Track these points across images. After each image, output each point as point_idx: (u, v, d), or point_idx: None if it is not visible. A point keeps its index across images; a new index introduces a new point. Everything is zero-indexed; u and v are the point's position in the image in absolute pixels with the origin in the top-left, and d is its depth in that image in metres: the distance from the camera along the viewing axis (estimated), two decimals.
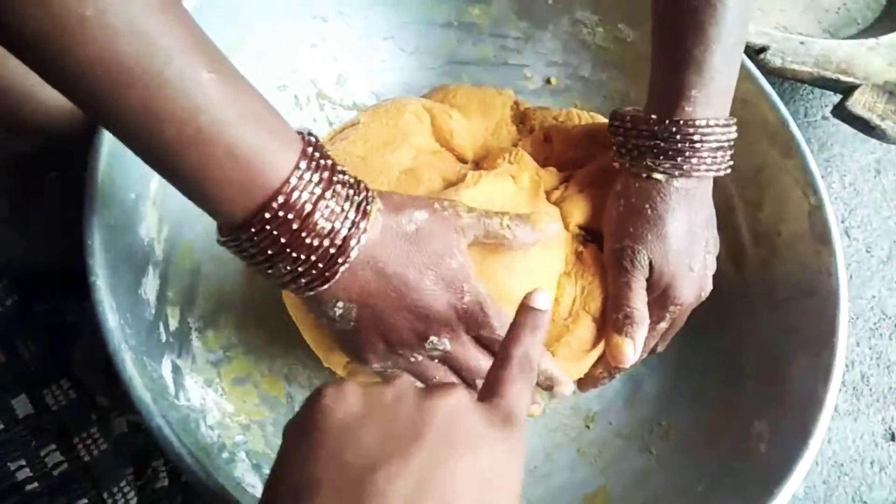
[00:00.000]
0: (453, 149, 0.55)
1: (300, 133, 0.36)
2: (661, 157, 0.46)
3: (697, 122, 0.45)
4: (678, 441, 0.55)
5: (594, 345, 0.50)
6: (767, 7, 0.89)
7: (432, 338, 0.42)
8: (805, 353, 0.50)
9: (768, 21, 0.87)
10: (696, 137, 0.45)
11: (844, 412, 0.69)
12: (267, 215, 0.34)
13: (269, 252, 0.36)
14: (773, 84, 0.58)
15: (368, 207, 0.38)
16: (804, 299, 0.53)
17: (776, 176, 0.56)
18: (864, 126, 0.72)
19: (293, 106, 0.62)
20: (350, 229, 0.36)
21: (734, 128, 0.48)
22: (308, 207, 0.35)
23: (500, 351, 0.34)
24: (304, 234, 0.35)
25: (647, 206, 0.47)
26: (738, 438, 0.52)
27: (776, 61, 0.71)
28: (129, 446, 0.55)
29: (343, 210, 0.36)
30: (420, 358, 0.43)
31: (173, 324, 0.49)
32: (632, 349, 0.48)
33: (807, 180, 0.54)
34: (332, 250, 0.36)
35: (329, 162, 0.37)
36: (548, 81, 0.67)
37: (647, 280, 0.48)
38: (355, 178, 0.38)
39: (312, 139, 0.36)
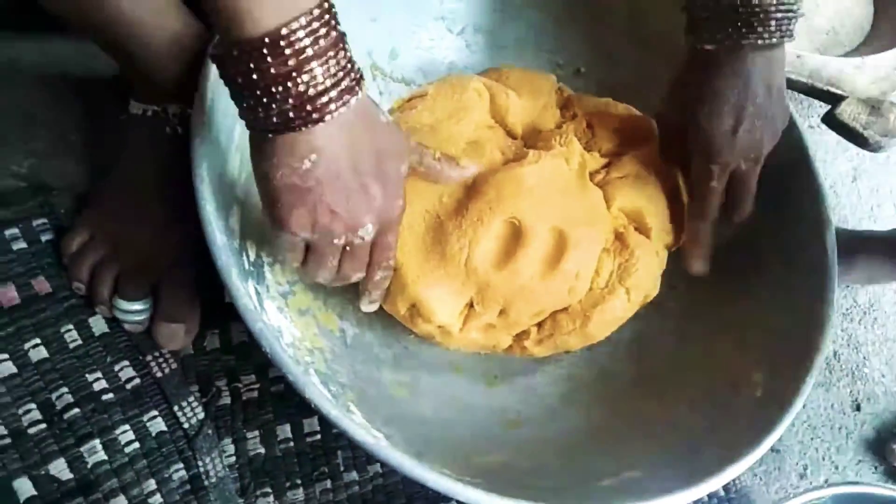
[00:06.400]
0: (506, 125, 0.60)
1: None
2: (717, 31, 0.49)
3: None
4: (678, 392, 0.61)
5: (625, 313, 0.57)
6: None
7: (368, 224, 0.43)
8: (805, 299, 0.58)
9: None
10: (742, 9, 0.47)
11: (818, 383, 0.77)
12: (293, 28, 0.35)
13: (273, 71, 0.35)
14: None
15: (361, 81, 0.39)
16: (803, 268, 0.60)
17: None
18: (849, 133, 0.81)
19: None
20: (349, 83, 0.38)
21: (791, 3, 0.48)
22: (323, 42, 0.36)
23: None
24: (314, 63, 0.36)
25: (692, 75, 0.52)
26: (740, 387, 0.59)
27: None
28: (194, 367, 0.59)
29: (345, 67, 0.38)
30: (341, 242, 0.44)
31: (252, 255, 0.54)
32: None
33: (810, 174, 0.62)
34: (332, 92, 0.37)
35: (341, 30, 0.38)
36: (577, 71, 0.74)
37: (691, 140, 0.53)
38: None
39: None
